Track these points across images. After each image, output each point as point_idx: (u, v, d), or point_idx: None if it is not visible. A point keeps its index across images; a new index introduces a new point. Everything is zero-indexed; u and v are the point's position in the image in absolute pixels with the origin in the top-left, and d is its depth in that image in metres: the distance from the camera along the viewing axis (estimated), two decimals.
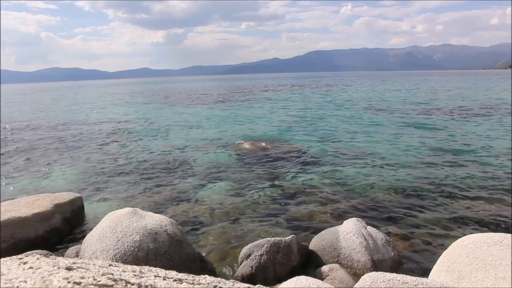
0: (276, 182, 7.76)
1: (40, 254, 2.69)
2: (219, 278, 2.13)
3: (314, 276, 3.70)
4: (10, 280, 1.42)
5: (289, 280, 3.03)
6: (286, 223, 5.68)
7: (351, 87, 52.43)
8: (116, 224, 4.02)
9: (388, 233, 4.96)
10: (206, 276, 2.15)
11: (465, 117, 17.25)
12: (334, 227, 4.58)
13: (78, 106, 32.21)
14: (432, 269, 3.48)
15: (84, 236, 4.42)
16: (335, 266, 3.94)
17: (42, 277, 1.46)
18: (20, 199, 5.61)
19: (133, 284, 1.56)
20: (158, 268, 2.15)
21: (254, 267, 3.94)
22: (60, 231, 5.32)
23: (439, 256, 3.56)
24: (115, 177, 8.61)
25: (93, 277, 1.53)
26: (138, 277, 1.74)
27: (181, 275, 2.00)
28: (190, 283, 1.82)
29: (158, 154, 11.05)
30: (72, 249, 4.44)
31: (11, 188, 8.01)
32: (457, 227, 5.39)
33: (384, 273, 2.63)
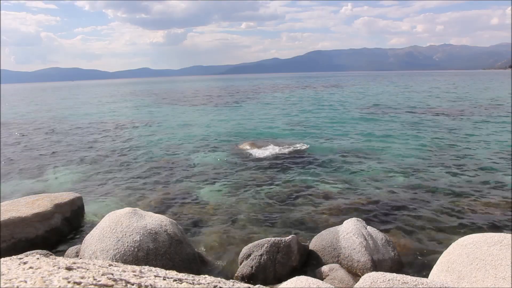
0: (276, 182, 7.76)
1: (40, 254, 2.69)
2: (219, 278, 2.13)
3: (314, 276, 3.70)
4: (10, 280, 1.42)
5: (289, 280, 3.03)
6: (286, 223, 5.68)
7: (351, 87, 52.43)
8: (116, 224, 4.02)
9: (388, 233, 4.97)
10: (206, 276, 2.15)
11: (465, 117, 17.25)
12: (334, 227, 4.58)
13: (78, 106, 32.21)
14: (432, 269, 3.48)
15: (84, 236, 4.42)
16: (335, 266, 3.94)
17: (42, 277, 1.46)
18: (20, 199, 5.61)
19: (133, 284, 1.56)
20: (158, 268, 2.15)
21: (254, 267, 3.94)
22: (60, 231, 5.31)
23: (439, 256, 3.56)
24: (115, 177, 8.61)
25: (93, 277, 1.53)
26: (138, 277, 1.74)
27: (181, 275, 2.00)
28: (190, 283, 1.82)
29: (158, 154, 11.06)
30: (72, 249, 4.44)
31: (11, 188, 8.01)
32: (457, 227, 5.39)
33: (384, 273, 2.63)
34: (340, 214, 5.91)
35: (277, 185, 7.59)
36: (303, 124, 16.49)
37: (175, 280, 1.80)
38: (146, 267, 2.07)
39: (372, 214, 5.92)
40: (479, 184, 7.29)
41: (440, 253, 3.62)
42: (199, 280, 1.96)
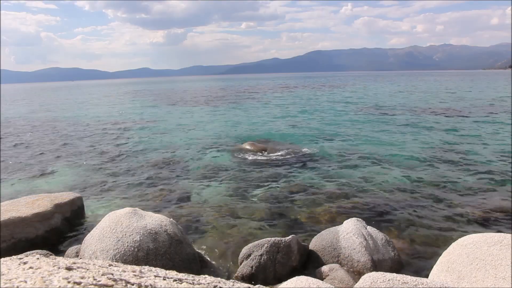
0: (276, 182, 7.76)
1: (40, 254, 2.69)
2: (219, 278, 2.13)
3: (314, 276, 3.70)
4: (10, 280, 1.42)
5: (289, 280, 3.03)
6: (286, 223, 5.68)
7: (351, 87, 52.43)
8: (116, 224, 4.02)
9: (388, 233, 4.97)
10: (206, 276, 2.15)
11: (465, 117, 17.25)
12: (334, 227, 4.58)
13: (78, 107, 32.21)
14: (432, 269, 3.48)
15: (84, 236, 4.42)
16: (335, 266, 3.94)
17: (42, 277, 1.46)
18: (20, 199, 5.61)
19: (133, 284, 1.56)
20: (158, 268, 2.15)
21: (254, 267, 3.94)
22: (60, 231, 5.32)
23: (439, 256, 3.56)
24: (115, 177, 8.61)
25: (93, 277, 1.53)
26: (138, 277, 1.74)
27: (181, 275, 2.00)
28: (190, 283, 1.82)
29: (158, 155, 11.06)
30: (72, 249, 4.44)
31: (11, 188, 8.01)
32: (457, 227, 5.39)
33: (384, 273, 2.63)
34: (340, 214, 5.91)
35: (277, 185, 7.59)
36: (303, 124, 16.49)
37: (175, 280, 1.80)
38: (146, 267, 2.07)
39: (372, 214, 5.92)
40: (479, 184, 7.29)
41: (440, 253, 3.62)
42: (199, 280, 1.96)
